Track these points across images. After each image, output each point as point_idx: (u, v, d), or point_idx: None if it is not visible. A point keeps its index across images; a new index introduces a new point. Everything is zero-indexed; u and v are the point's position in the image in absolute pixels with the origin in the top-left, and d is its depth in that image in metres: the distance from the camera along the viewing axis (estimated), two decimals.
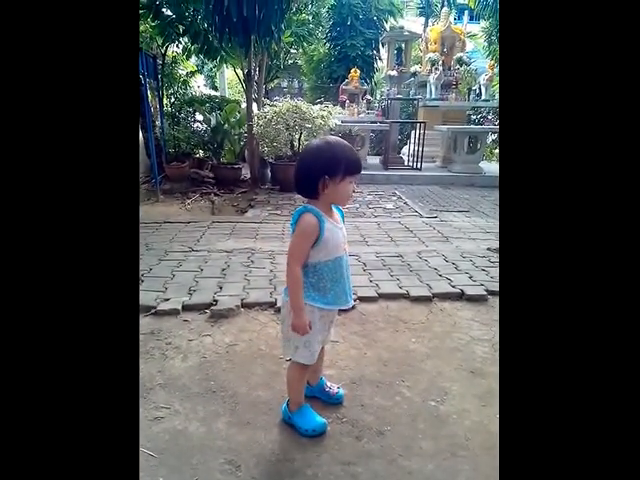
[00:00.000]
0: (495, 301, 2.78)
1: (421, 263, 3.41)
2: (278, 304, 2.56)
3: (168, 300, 2.64)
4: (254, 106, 6.70)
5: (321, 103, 6.90)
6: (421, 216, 5.02)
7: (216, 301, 2.63)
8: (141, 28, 6.64)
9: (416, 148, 7.87)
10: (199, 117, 8.04)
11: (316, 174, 1.41)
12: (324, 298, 1.52)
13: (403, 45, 9.62)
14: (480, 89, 8.79)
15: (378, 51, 11.90)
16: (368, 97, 9.19)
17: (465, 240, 4.10)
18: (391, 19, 11.91)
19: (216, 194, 6.16)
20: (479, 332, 2.41)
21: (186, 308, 2.57)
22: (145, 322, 2.42)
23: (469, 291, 2.86)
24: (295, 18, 7.56)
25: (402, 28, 9.82)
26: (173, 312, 2.52)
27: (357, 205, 5.55)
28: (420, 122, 7.98)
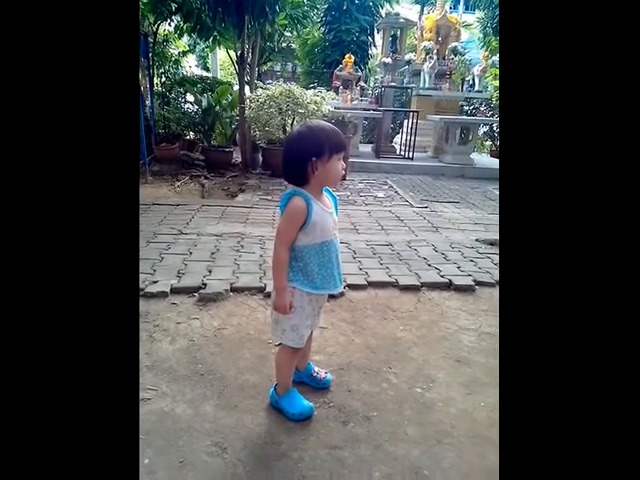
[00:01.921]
0: (482, 291, 2.81)
1: (411, 252, 3.43)
2: (267, 289, 2.56)
3: (156, 283, 2.62)
4: (246, 89, 6.60)
5: (314, 88, 6.83)
6: (412, 206, 5.03)
7: (205, 285, 2.62)
8: None
9: (408, 137, 7.86)
10: (190, 98, 7.91)
11: (304, 158, 1.42)
12: (312, 283, 1.52)
13: (398, 32, 9.51)
14: (473, 80, 8.77)
15: (373, 37, 11.78)
16: (362, 84, 9.11)
17: (454, 231, 4.13)
18: (387, 5, 11.78)
19: (206, 177, 6.08)
20: (466, 322, 2.44)
21: (174, 291, 2.55)
22: None
23: (457, 281, 2.89)
24: (290, 0, 7.44)
25: (398, 15, 9.68)
26: (161, 295, 2.50)
27: (348, 193, 5.54)
28: (413, 111, 7.95)
